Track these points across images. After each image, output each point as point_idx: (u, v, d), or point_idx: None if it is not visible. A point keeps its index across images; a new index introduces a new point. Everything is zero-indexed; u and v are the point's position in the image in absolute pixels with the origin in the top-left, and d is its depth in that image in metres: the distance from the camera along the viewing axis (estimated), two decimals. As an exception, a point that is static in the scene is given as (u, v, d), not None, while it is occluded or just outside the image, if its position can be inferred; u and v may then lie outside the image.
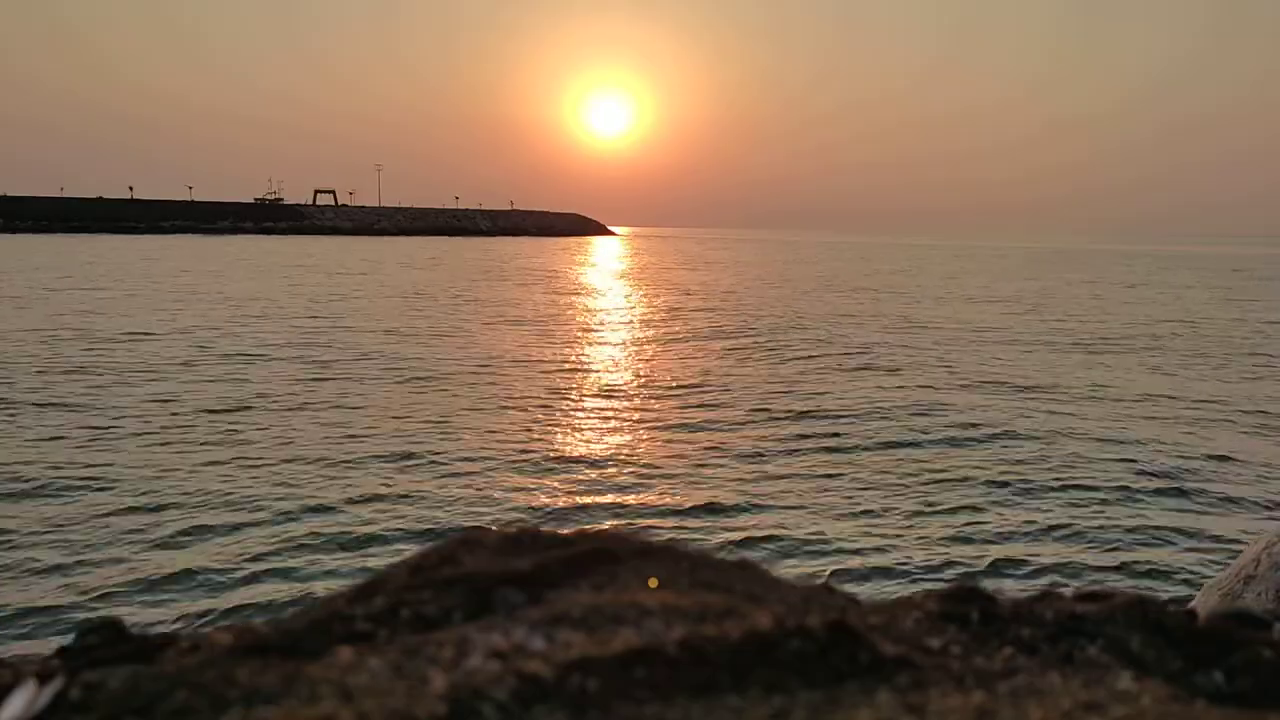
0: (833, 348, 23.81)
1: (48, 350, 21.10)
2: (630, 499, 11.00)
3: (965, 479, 11.73)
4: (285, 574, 8.52)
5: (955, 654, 0.83)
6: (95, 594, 7.97)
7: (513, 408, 15.96)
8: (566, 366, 20.90)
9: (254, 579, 8.38)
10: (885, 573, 8.81)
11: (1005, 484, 11.56)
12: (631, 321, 31.01)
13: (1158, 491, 11.42)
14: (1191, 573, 8.82)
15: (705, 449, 13.18)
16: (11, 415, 14.41)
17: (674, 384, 18.49)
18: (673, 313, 33.44)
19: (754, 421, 14.90)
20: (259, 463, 12.03)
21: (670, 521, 10.17)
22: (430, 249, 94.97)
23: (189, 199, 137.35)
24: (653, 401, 16.72)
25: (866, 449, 13.21)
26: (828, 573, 8.71)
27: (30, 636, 7.18)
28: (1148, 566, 9.08)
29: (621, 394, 17.56)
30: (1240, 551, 4.63)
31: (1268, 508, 10.91)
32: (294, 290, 39.79)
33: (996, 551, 9.38)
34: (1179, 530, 10.06)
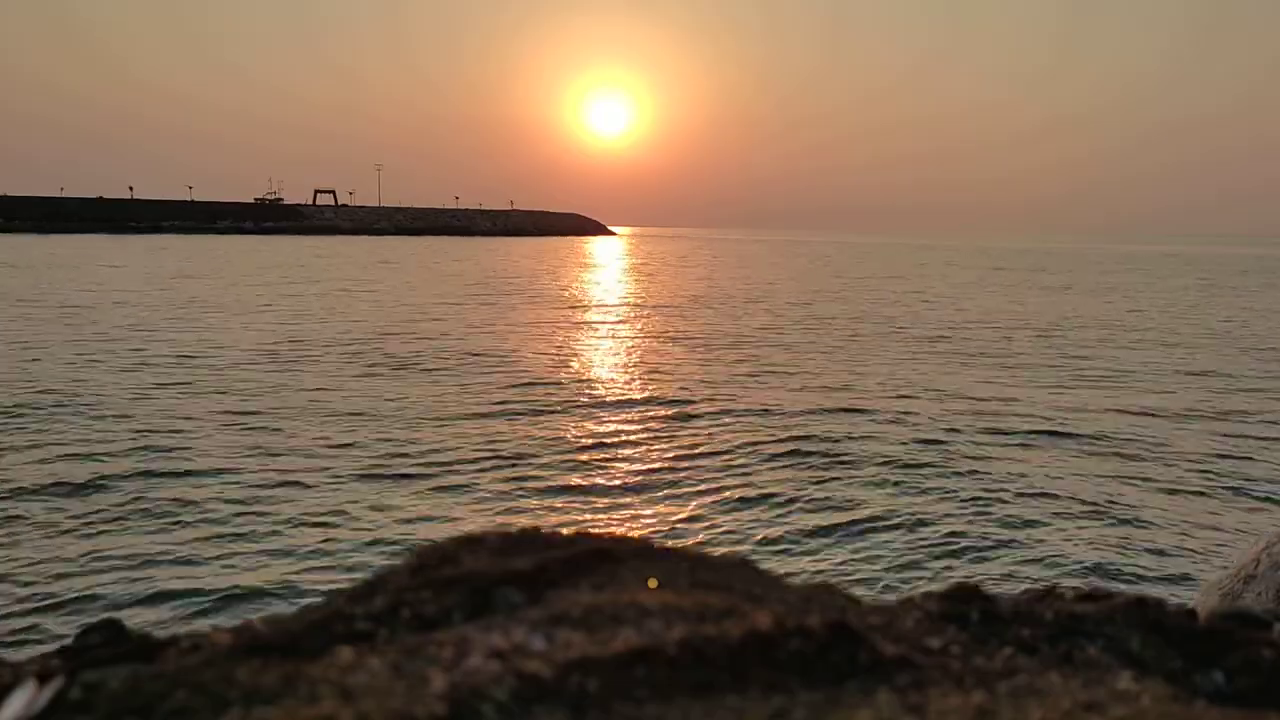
0: (836, 354, 23.82)
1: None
2: (631, 500, 10.99)
3: (962, 479, 11.73)
4: (283, 572, 8.51)
5: (955, 654, 0.83)
6: (95, 594, 7.96)
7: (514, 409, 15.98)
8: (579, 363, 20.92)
9: (253, 578, 8.37)
10: (885, 573, 8.81)
11: (1004, 483, 11.55)
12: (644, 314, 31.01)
13: (1158, 491, 11.42)
14: (1191, 573, 8.81)
15: (707, 449, 13.17)
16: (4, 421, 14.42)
17: (688, 390, 18.48)
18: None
19: (758, 423, 14.89)
20: (261, 462, 12.03)
21: (670, 522, 10.16)
22: (435, 250, 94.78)
23: (189, 199, 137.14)
24: (657, 405, 16.71)
25: (866, 450, 13.20)
26: (827, 573, 8.70)
27: (30, 636, 7.17)
28: (1148, 567, 9.07)
29: (628, 396, 17.56)
30: (1240, 551, 4.63)
31: (1268, 507, 10.90)
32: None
33: (995, 551, 9.38)
34: (1179, 530, 10.05)
